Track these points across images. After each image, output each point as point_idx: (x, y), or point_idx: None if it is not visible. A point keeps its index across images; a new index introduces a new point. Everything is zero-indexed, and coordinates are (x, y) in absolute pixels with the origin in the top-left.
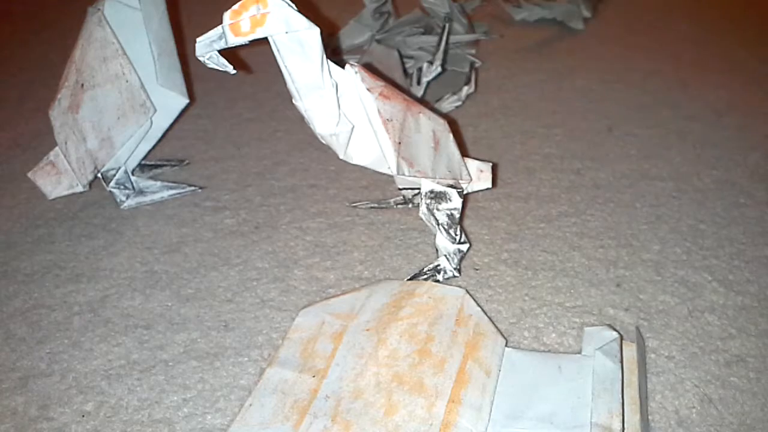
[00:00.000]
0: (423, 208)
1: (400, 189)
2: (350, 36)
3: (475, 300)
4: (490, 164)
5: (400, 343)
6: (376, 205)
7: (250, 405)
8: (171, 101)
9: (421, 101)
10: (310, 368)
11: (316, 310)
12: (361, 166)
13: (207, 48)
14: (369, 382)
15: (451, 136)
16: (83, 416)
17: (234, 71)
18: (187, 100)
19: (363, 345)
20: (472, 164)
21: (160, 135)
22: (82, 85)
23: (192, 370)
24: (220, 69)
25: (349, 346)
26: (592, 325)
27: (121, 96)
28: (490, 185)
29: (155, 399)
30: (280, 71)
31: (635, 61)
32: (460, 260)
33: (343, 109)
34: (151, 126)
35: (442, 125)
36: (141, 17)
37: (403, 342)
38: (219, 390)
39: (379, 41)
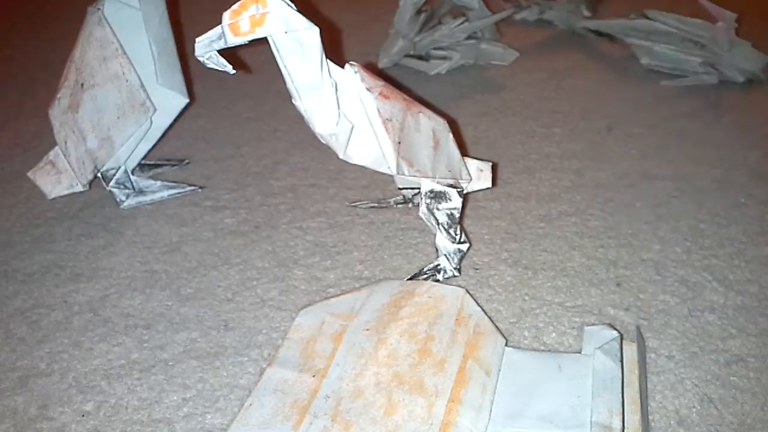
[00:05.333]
0: (423, 208)
1: (400, 188)
2: (388, 48)
3: (475, 300)
4: (490, 164)
5: (400, 343)
6: (375, 204)
7: (250, 405)
8: (171, 101)
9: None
10: (310, 368)
11: (316, 310)
12: (361, 166)
13: (206, 48)
14: (369, 381)
15: (450, 135)
16: (83, 416)
17: (233, 71)
18: (187, 100)
19: (363, 345)
20: (472, 164)
21: (159, 134)
22: (82, 84)
23: (192, 370)
24: (220, 69)
25: (349, 345)
26: (593, 324)
27: (120, 95)
28: (490, 185)
29: (155, 399)
30: (280, 71)
31: (635, 61)
32: (460, 260)
33: (342, 108)
34: (150, 125)
35: (441, 125)
36: (141, 17)
37: (403, 342)
38: (219, 390)
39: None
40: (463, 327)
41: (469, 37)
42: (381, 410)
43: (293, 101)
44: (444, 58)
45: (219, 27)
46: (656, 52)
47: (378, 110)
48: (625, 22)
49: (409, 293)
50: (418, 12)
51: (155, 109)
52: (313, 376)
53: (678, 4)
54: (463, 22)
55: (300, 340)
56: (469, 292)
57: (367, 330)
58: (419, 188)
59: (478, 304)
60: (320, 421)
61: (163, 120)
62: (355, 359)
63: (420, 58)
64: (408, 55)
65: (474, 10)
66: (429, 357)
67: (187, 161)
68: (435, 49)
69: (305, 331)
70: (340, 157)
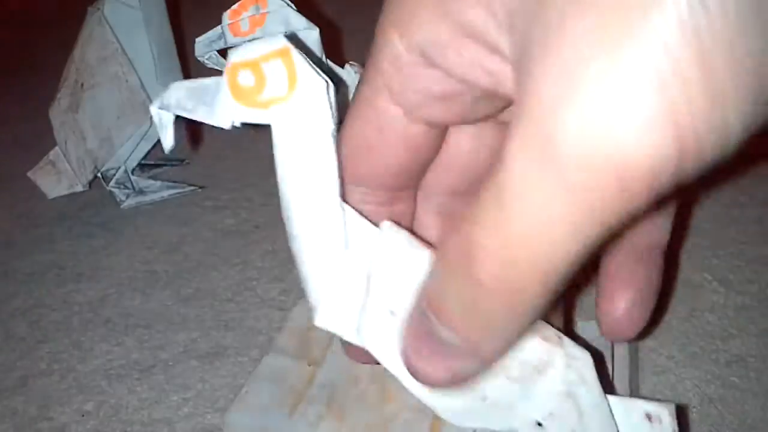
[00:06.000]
0: None
1: None
2: None
3: None
4: None
5: None
6: None
7: (246, 391)
8: None
9: None
10: (307, 356)
11: None
12: None
13: (206, 48)
14: (364, 370)
15: None
16: (83, 416)
17: None
18: None
19: None
20: None
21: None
22: (82, 84)
23: (192, 370)
24: (220, 69)
25: None
26: (591, 321)
27: (120, 96)
28: None
29: (155, 399)
30: None
31: None
32: None
33: None
34: (150, 125)
35: None
36: (141, 17)
37: None
38: (219, 390)
39: None
40: None
41: None
42: (375, 399)
43: None
44: None
45: (219, 27)
46: None
47: None
48: None
49: None
50: None
51: None
52: (309, 364)
53: None
54: None
55: (297, 329)
56: None
57: None
58: None
59: None
60: (315, 408)
61: None
62: None
63: None
64: None
65: None
66: None
67: (187, 161)
68: None
69: (302, 321)
70: None
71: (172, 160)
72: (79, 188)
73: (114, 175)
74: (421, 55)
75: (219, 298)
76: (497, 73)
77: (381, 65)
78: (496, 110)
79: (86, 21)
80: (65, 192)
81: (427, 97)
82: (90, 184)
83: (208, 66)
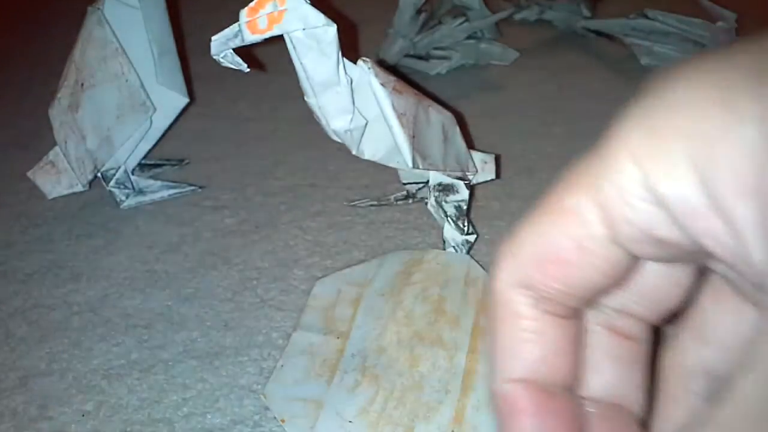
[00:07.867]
0: (432, 201)
1: (405, 184)
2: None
3: (481, 265)
4: (493, 155)
5: (415, 305)
6: (375, 202)
7: (282, 366)
8: (171, 100)
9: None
10: (333, 330)
11: (331, 280)
12: (366, 164)
13: (222, 46)
14: (391, 340)
15: (457, 128)
16: (83, 416)
17: (248, 69)
18: (187, 100)
19: (380, 308)
20: (477, 156)
21: (159, 134)
22: (82, 84)
23: (192, 370)
24: (235, 67)
25: (367, 310)
26: None
27: (120, 95)
28: (494, 176)
29: (155, 398)
30: (282, 69)
31: (635, 61)
32: (468, 251)
33: (356, 104)
34: (150, 125)
35: (450, 118)
36: (141, 17)
37: (418, 303)
38: (219, 390)
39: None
40: (472, 288)
41: (469, 37)
42: (405, 364)
43: (306, 98)
44: (444, 58)
45: (236, 25)
46: (656, 52)
47: (392, 105)
48: (625, 22)
49: (418, 261)
50: (418, 12)
51: (155, 109)
52: (338, 337)
53: (678, 4)
54: (463, 22)
55: (320, 306)
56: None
57: (383, 295)
58: (424, 182)
59: (483, 269)
60: (350, 376)
61: (163, 120)
62: (374, 321)
63: (420, 58)
64: (408, 55)
65: (474, 10)
66: (444, 315)
67: (187, 161)
68: (435, 49)
69: (324, 299)
70: (354, 153)
71: (172, 160)
72: (79, 188)
73: (114, 175)
74: (657, 201)
75: (219, 298)
76: (740, 254)
77: (599, 182)
78: (702, 263)
79: (86, 21)
80: (65, 192)
81: (644, 236)
82: (90, 184)
83: (223, 64)
